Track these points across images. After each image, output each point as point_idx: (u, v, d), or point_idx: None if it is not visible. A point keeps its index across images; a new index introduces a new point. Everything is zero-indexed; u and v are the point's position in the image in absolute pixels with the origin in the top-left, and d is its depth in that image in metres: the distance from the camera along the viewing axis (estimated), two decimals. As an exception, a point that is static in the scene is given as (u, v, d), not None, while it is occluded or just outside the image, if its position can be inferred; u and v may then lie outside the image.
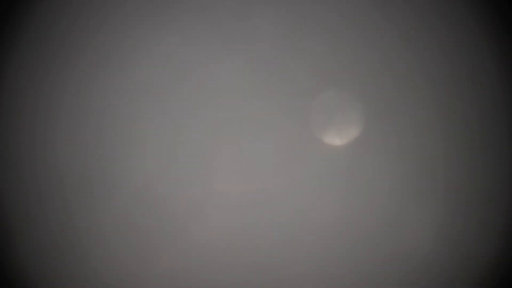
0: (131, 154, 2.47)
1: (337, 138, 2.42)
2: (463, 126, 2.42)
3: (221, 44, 2.42)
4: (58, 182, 2.47)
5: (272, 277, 2.41)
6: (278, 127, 2.44)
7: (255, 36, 2.42)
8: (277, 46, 2.42)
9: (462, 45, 2.43)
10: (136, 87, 2.47)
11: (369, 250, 2.41)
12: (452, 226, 2.40)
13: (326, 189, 2.43)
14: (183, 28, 2.44)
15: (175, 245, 2.44)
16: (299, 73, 2.44)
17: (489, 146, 2.41)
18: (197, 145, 2.45)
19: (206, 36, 2.43)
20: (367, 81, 2.43)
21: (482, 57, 2.42)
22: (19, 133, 2.47)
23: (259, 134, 2.44)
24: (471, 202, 2.40)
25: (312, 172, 2.43)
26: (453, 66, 2.43)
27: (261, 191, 2.44)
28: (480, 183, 2.41)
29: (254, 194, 2.44)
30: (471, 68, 2.42)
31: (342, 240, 2.42)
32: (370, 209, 2.42)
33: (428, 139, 2.43)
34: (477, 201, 2.40)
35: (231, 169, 2.45)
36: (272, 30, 2.41)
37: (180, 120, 2.45)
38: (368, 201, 2.42)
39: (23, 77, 2.47)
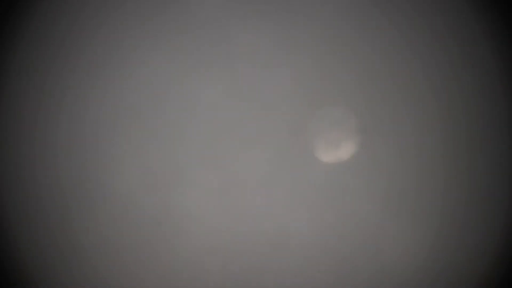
0: (131, 156, 2.47)
1: (328, 155, 2.42)
2: (463, 127, 2.42)
3: (203, 63, 2.42)
4: (58, 183, 2.47)
5: None
6: (263, 143, 2.44)
7: (236, 55, 2.43)
8: (258, 64, 2.43)
9: (462, 44, 2.42)
10: (133, 93, 2.47)
11: (355, 265, 2.41)
12: (450, 235, 2.41)
13: (312, 204, 2.43)
14: (164, 49, 2.44)
15: (160, 260, 2.45)
16: (284, 90, 2.44)
17: (489, 148, 2.41)
18: (175, 163, 2.45)
19: (186, 56, 2.43)
20: (360, 91, 2.43)
21: (483, 56, 2.42)
22: (19, 133, 2.48)
23: (243, 149, 2.44)
24: (470, 210, 2.40)
25: (301, 188, 2.43)
26: (454, 66, 2.43)
27: (242, 207, 2.44)
28: (480, 187, 2.41)
29: (236, 210, 2.44)
30: (471, 67, 2.42)
31: (328, 254, 2.43)
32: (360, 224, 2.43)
33: (425, 147, 2.43)
34: (477, 208, 2.40)
35: (213, 186, 2.45)
36: (257, 44, 2.42)
37: (163, 138, 2.46)
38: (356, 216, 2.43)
39: (23, 77, 2.47)
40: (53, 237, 2.44)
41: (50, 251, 2.44)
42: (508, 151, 2.39)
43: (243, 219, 2.42)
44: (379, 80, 2.42)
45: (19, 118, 2.46)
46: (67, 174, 2.46)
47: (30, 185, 2.46)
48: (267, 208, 2.43)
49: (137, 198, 2.42)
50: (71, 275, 2.43)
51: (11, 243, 2.45)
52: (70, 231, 2.45)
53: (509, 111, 2.40)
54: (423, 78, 2.41)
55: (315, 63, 2.42)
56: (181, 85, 2.43)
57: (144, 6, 2.44)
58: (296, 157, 2.43)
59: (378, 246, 2.38)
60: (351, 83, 2.40)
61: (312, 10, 2.41)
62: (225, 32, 2.42)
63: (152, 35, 2.44)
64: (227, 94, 2.42)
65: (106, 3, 2.46)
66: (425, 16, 2.42)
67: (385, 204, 2.39)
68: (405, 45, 2.42)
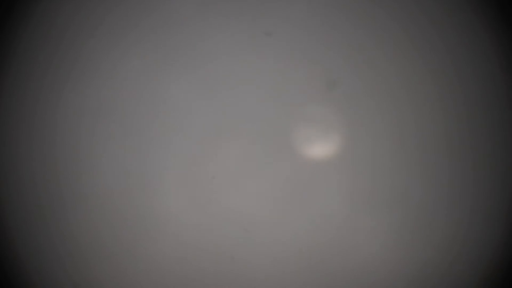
0: (130, 156, 2.47)
1: (313, 149, 2.42)
2: (462, 127, 2.41)
3: (178, 62, 2.42)
4: (57, 183, 2.48)
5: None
6: (238, 139, 2.44)
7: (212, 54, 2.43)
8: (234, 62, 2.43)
9: (464, 43, 2.41)
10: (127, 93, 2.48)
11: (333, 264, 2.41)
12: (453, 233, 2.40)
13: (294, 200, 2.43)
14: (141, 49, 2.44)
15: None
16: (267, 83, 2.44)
17: (490, 147, 2.40)
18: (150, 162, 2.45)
19: (162, 56, 2.43)
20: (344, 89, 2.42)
21: (484, 56, 2.40)
22: (18, 133, 2.48)
23: (218, 145, 2.44)
24: (471, 209, 2.40)
25: (282, 183, 2.43)
26: (454, 65, 2.42)
27: (218, 203, 2.44)
28: (481, 185, 2.40)
29: (213, 207, 2.44)
30: (472, 67, 2.41)
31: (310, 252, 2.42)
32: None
33: (422, 143, 2.42)
34: (477, 207, 2.39)
35: (187, 183, 2.45)
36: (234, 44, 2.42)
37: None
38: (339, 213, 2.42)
39: (22, 77, 2.48)
40: (51, 239, 2.45)
41: (48, 252, 2.45)
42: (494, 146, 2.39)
43: (219, 215, 2.42)
44: (367, 76, 2.42)
45: (18, 117, 2.47)
46: (66, 174, 2.46)
47: (29, 185, 2.46)
48: (242, 204, 2.43)
49: (115, 197, 2.43)
50: (51, 272, 2.44)
51: (10, 244, 2.46)
52: (50, 230, 2.46)
53: (509, 110, 2.39)
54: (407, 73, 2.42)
55: (291, 59, 2.42)
56: (155, 84, 2.44)
57: (119, 5, 2.44)
58: (270, 153, 2.43)
59: (353, 242, 2.39)
60: (330, 79, 2.40)
61: (289, 5, 2.41)
62: (199, 30, 2.43)
63: (127, 35, 2.45)
64: (202, 91, 2.42)
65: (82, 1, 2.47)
66: (427, 13, 2.42)
67: (361, 200, 2.40)
68: (404, 40, 2.42)
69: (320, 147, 2.42)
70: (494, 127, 2.40)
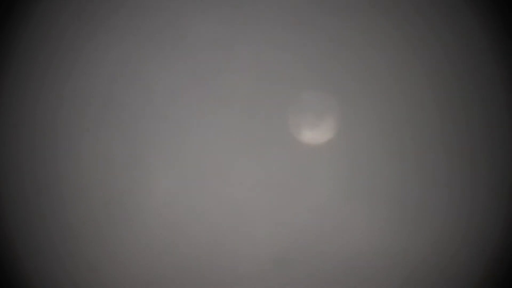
0: (130, 155, 2.47)
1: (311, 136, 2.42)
2: (462, 126, 2.42)
3: (161, 48, 2.42)
4: (57, 182, 2.47)
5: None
6: (221, 125, 2.44)
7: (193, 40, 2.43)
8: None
9: (462, 43, 2.42)
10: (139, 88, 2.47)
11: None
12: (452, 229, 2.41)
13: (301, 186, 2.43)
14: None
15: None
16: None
17: (490, 147, 2.41)
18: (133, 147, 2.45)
19: (144, 42, 2.43)
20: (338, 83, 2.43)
21: (483, 56, 2.42)
22: (18, 133, 2.48)
23: (202, 132, 2.44)
24: (471, 203, 2.41)
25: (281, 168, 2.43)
26: (454, 65, 2.43)
27: (203, 188, 2.44)
28: (481, 184, 2.41)
29: (197, 192, 2.44)
30: (472, 67, 2.42)
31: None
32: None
33: (423, 140, 2.43)
34: (477, 202, 2.41)
35: (172, 168, 2.45)
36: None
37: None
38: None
39: (22, 77, 2.47)
40: (51, 239, 2.45)
41: (48, 252, 2.44)
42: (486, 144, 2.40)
43: (207, 202, 2.42)
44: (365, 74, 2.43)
45: (18, 117, 2.46)
46: (66, 174, 2.46)
47: (29, 185, 2.46)
48: (226, 190, 2.43)
49: (92, 180, 2.43)
50: (70, 276, 2.44)
51: (10, 244, 2.46)
52: (69, 232, 2.45)
53: (510, 111, 2.40)
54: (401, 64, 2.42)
55: (276, 46, 2.43)
56: (139, 70, 2.43)
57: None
58: (261, 139, 2.43)
59: (348, 231, 2.39)
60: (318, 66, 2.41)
61: None
62: (182, 17, 2.43)
63: (110, 23, 2.45)
64: (186, 78, 2.42)
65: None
66: (425, 14, 2.43)
67: (348, 188, 2.41)
68: (402, 41, 2.43)
69: (314, 134, 2.41)
70: (492, 124, 2.41)
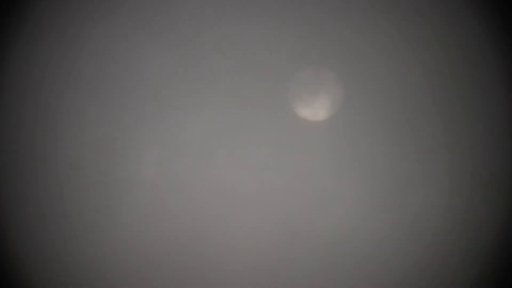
0: (129, 154, 2.47)
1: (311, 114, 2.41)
2: (462, 125, 2.42)
3: (148, 32, 2.41)
4: (57, 182, 2.47)
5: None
6: (208, 108, 2.44)
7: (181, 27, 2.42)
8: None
9: (462, 43, 2.42)
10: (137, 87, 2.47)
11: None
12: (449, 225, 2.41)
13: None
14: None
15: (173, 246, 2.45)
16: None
17: (489, 146, 2.41)
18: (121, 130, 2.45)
19: (132, 28, 2.43)
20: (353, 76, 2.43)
21: (483, 56, 2.42)
22: (18, 133, 2.47)
23: (188, 114, 2.44)
24: (469, 201, 2.41)
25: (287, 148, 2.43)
26: (453, 65, 2.43)
27: (188, 170, 2.43)
28: (480, 181, 2.41)
29: (182, 173, 2.44)
30: (471, 67, 2.42)
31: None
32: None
33: (423, 136, 2.43)
34: (476, 199, 2.41)
35: (159, 152, 2.45)
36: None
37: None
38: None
39: (22, 77, 2.47)
40: (51, 238, 2.45)
41: (48, 252, 2.44)
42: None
43: (196, 185, 2.42)
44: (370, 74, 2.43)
45: (19, 117, 2.46)
46: (66, 174, 2.46)
47: (29, 185, 2.46)
48: (211, 171, 2.43)
49: (80, 162, 2.43)
50: (70, 275, 2.44)
51: (10, 243, 2.46)
52: (69, 231, 2.45)
53: (509, 110, 2.40)
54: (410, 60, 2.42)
55: (265, 27, 2.43)
56: (126, 53, 2.43)
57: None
58: (251, 119, 2.43)
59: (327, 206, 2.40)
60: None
61: None
62: (163, 8, 2.43)
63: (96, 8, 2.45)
64: (177, 59, 2.42)
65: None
66: (425, 13, 2.42)
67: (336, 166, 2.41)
68: (402, 42, 2.42)
69: (305, 115, 2.41)
70: (491, 123, 2.41)
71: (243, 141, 2.44)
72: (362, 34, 2.43)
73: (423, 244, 2.39)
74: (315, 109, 2.41)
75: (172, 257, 2.42)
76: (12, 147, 2.45)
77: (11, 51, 2.46)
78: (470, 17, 2.41)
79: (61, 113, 2.47)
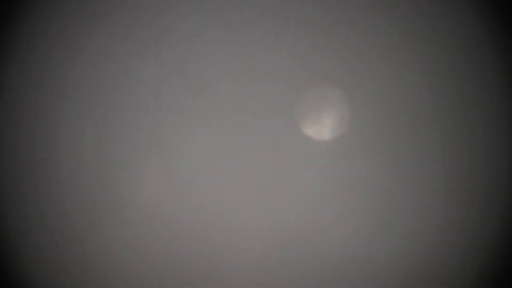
0: (130, 155, 2.47)
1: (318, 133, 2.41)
2: (462, 126, 2.42)
3: (141, 41, 2.41)
4: (57, 182, 2.47)
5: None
6: (203, 119, 2.44)
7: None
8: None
9: (461, 42, 2.42)
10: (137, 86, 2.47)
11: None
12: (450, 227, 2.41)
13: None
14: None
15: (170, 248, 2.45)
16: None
17: (489, 146, 2.41)
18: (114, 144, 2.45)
19: (126, 35, 2.42)
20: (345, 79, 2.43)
21: (482, 55, 2.41)
22: (18, 133, 2.47)
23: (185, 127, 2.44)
24: (469, 203, 2.41)
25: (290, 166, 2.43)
26: (453, 64, 2.42)
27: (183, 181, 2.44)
28: (479, 183, 2.41)
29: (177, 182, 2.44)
30: (471, 66, 2.42)
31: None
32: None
33: (424, 139, 2.43)
34: (476, 201, 2.40)
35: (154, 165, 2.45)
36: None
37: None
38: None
39: (23, 77, 2.47)
40: (52, 238, 2.45)
41: (48, 251, 2.44)
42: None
43: (195, 197, 2.43)
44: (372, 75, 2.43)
45: (19, 117, 2.46)
46: (66, 174, 2.46)
47: (29, 185, 2.46)
48: (216, 187, 2.44)
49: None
50: (70, 275, 2.44)
51: (10, 243, 2.46)
52: (69, 231, 2.46)
53: (509, 110, 2.40)
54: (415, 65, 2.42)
55: (257, 37, 2.43)
56: (125, 56, 2.43)
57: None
58: (248, 138, 2.42)
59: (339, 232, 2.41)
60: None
61: None
62: (164, 8, 2.42)
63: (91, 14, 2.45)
64: (174, 78, 2.42)
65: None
66: (424, 13, 2.42)
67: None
68: (403, 42, 2.43)
69: (307, 132, 2.41)
70: (491, 123, 2.41)
71: (245, 156, 2.45)
72: (362, 33, 2.43)
73: (423, 244, 2.39)
74: (321, 127, 2.41)
75: (174, 260, 2.42)
76: (12, 147, 2.45)
77: (11, 51, 2.46)
78: (470, 17, 2.41)
79: (61, 113, 2.47)
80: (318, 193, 2.42)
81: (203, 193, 2.44)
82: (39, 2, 2.47)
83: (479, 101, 2.41)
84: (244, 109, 2.42)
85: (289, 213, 2.43)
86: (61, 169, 2.46)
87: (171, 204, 2.44)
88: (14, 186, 2.46)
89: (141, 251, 2.45)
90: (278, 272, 2.43)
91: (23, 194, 2.46)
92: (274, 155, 2.43)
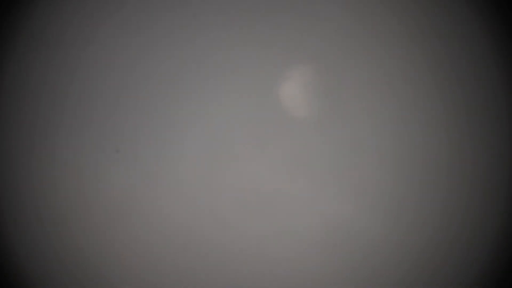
0: (130, 155, 2.47)
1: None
2: (463, 125, 2.42)
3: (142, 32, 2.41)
4: (57, 182, 2.47)
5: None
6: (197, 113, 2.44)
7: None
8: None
9: (462, 42, 2.42)
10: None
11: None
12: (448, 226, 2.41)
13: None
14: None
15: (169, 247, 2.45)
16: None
17: (489, 146, 2.41)
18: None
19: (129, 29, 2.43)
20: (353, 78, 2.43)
21: (483, 55, 2.42)
22: (18, 133, 2.48)
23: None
24: (469, 204, 2.41)
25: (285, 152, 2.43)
26: (453, 64, 2.43)
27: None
28: (480, 182, 2.41)
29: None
30: (471, 66, 2.42)
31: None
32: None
33: (426, 137, 2.43)
34: (476, 202, 2.41)
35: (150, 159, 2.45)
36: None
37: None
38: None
39: (23, 76, 2.48)
40: (50, 238, 2.45)
41: (48, 251, 2.44)
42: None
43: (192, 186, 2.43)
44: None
45: (19, 117, 2.47)
46: (66, 174, 2.46)
47: (29, 185, 2.46)
48: (204, 178, 2.44)
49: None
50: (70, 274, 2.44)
51: (10, 243, 2.46)
52: (69, 231, 2.46)
53: (509, 110, 2.40)
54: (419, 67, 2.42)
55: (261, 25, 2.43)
56: (126, 55, 2.43)
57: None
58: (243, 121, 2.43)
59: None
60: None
61: None
62: (163, 8, 2.43)
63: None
64: (181, 67, 2.43)
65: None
66: (426, 13, 2.43)
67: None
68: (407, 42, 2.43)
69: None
70: (491, 122, 2.41)
71: (243, 143, 2.45)
72: (361, 34, 2.43)
73: (423, 244, 2.40)
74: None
75: (174, 260, 2.43)
76: (12, 147, 2.46)
77: (11, 51, 2.47)
78: (470, 17, 2.41)
79: (62, 114, 2.47)
80: (317, 192, 2.43)
81: (202, 193, 2.44)
82: (39, 2, 2.48)
83: (481, 99, 2.41)
84: (244, 105, 2.43)
85: (288, 212, 2.43)
86: (61, 169, 2.46)
87: (170, 204, 2.44)
88: (14, 186, 2.46)
89: (141, 251, 2.45)
90: (278, 272, 2.43)
91: (23, 194, 2.46)
92: (274, 148, 2.43)
